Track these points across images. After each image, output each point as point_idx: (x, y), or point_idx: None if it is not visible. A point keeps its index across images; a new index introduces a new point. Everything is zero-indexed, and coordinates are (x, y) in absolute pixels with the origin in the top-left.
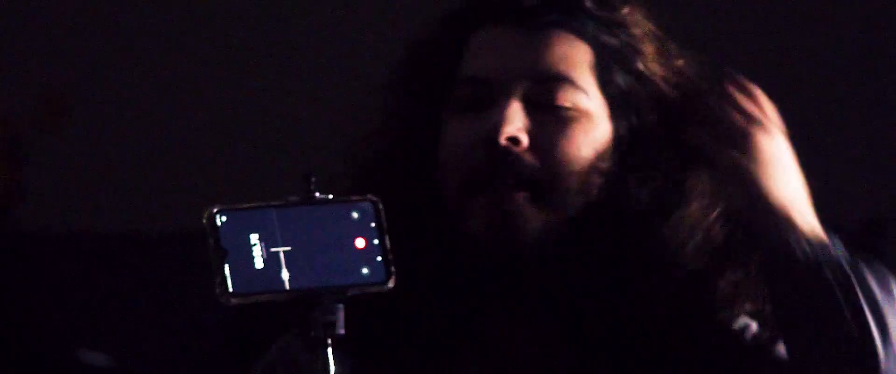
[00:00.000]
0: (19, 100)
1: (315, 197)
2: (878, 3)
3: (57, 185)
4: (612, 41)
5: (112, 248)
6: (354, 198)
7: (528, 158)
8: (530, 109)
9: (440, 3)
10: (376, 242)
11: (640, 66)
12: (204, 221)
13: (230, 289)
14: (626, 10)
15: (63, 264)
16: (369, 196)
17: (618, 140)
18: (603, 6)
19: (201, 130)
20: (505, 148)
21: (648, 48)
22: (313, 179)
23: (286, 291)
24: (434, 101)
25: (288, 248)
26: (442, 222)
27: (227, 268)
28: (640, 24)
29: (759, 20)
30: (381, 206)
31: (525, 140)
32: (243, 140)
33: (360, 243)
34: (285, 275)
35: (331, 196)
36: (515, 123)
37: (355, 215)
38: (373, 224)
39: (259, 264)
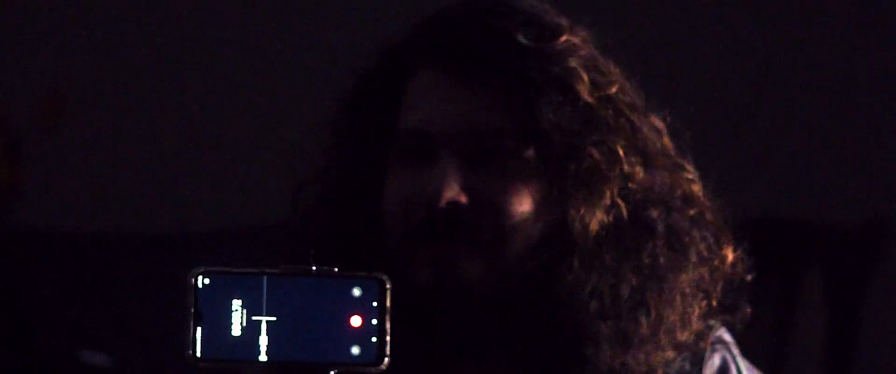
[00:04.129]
0: (19, 100)
1: (313, 270)
2: (878, 3)
3: (57, 185)
4: (547, 78)
5: (112, 248)
6: (360, 274)
7: (469, 217)
8: (469, 164)
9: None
10: (375, 322)
11: (575, 99)
12: (191, 281)
13: (197, 354)
14: (563, 39)
15: (63, 264)
16: (378, 274)
17: (554, 175)
18: (539, 38)
19: (202, 130)
20: (445, 210)
21: (582, 81)
22: (313, 253)
23: (261, 361)
24: (376, 145)
25: (272, 318)
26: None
27: (198, 331)
28: (576, 53)
29: (759, 19)
30: (388, 285)
31: (465, 200)
32: (244, 140)
33: (355, 320)
34: (263, 345)
35: (335, 269)
36: (455, 185)
37: (357, 291)
38: (375, 303)
39: (236, 331)
